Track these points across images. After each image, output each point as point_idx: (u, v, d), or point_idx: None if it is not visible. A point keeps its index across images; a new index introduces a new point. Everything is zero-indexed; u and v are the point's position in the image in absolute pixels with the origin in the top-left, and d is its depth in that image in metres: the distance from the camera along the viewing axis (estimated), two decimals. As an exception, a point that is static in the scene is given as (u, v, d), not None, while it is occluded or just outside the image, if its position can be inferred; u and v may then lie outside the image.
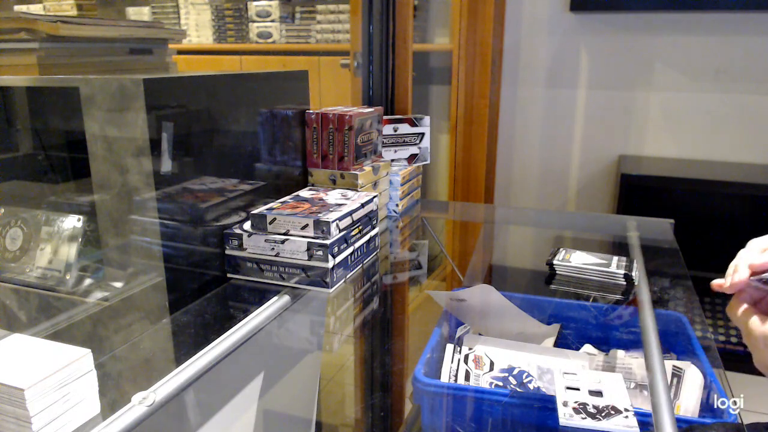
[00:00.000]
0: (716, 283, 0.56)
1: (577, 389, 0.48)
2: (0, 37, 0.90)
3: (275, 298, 0.82)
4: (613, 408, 0.45)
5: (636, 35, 2.18)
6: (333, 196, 0.98)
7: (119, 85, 0.73)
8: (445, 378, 0.75)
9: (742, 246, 0.61)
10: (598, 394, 0.48)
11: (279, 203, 0.93)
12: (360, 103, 1.49)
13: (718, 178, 2.02)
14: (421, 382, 0.67)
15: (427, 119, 1.31)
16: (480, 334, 0.82)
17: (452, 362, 0.77)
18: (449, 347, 0.79)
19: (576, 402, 0.46)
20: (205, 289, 0.86)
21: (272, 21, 2.72)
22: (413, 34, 1.56)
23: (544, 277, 0.97)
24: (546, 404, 0.65)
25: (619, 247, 1.16)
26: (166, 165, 0.77)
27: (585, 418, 0.44)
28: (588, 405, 0.46)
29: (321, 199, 0.96)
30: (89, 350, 0.54)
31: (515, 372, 0.74)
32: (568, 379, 0.48)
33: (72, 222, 0.83)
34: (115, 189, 0.77)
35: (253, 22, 2.75)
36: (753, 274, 0.54)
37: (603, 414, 0.45)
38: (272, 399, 0.86)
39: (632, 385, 0.75)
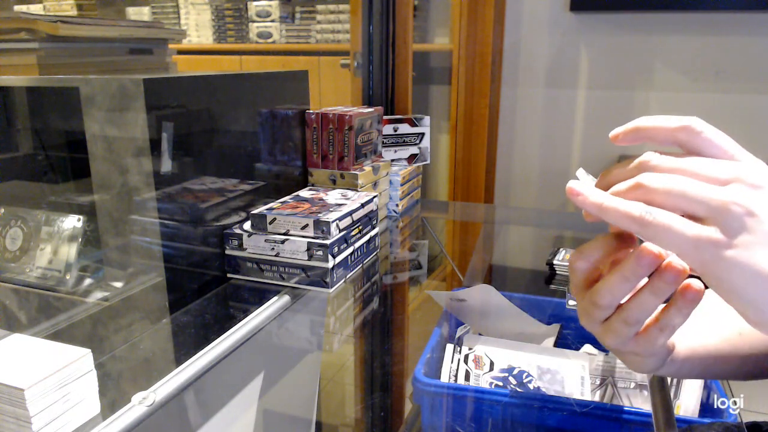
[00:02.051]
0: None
1: None
2: (0, 37, 0.90)
3: (275, 298, 0.82)
4: None
5: (636, 35, 2.18)
6: (333, 196, 0.98)
7: (119, 85, 0.73)
8: (445, 378, 0.75)
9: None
10: None
11: (279, 203, 0.93)
12: (360, 103, 1.49)
13: (718, 178, 2.01)
14: (421, 382, 0.67)
15: (427, 119, 1.31)
16: (480, 334, 0.82)
17: (452, 362, 0.77)
18: (449, 347, 0.79)
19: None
20: (205, 289, 0.86)
21: (272, 21, 2.72)
22: (413, 34, 1.56)
23: (544, 277, 0.97)
24: (546, 404, 0.65)
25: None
26: (166, 165, 0.77)
27: None
28: None
29: (321, 199, 0.96)
30: (89, 350, 0.54)
31: (515, 372, 0.74)
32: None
33: (72, 222, 0.83)
34: (115, 189, 0.77)
35: (253, 22, 2.75)
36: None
37: None
38: (272, 399, 0.86)
39: (632, 385, 0.75)
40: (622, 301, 0.40)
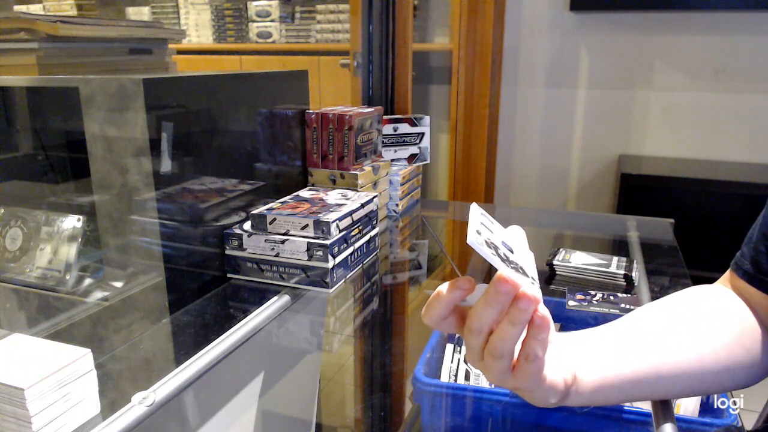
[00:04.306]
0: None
1: (491, 231, 0.43)
2: (0, 37, 0.89)
3: (275, 298, 0.82)
4: (522, 269, 0.42)
5: (636, 35, 2.18)
6: (333, 196, 0.98)
7: (119, 85, 0.73)
8: (445, 378, 0.75)
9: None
10: (510, 250, 0.45)
11: (279, 203, 0.93)
12: (360, 103, 1.49)
13: (718, 178, 2.02)
14: (421, 381, 0.67)
15: (427, 119, 1.31)
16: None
17: (452, 362, 0.77)
18: (449, 347, 0.79)
19: (488, 239, 0.42)
20: (205, 289, 0.86)
21: (272, 21, 2.72)
22: (413, 34, 1.56)
23: (544, 277, 0.97)
24: (546, 404, 0.65)
25: (619, 247, 1.16)
26: (166, 165, 0.77)
27: (494, 255, 0.40)
28: (498, 248, 0.42)
29: (321, 199, 0.96)
30: (89, 350, 0.54)
31: (515, 372, 0.74)
32: (483, 218, 0.44)
33: (72, 222, 0.83)
34: (115, 189, 0.77)
35: (253, 22, 2.75)
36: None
37: (511, 266, 0.41)
38: (272, 399, 0.86)
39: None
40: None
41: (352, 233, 0.91)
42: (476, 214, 0.42)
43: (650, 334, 0.53)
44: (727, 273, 0.61)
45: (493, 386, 0.72)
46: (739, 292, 0.58)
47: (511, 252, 0.43)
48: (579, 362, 0.49)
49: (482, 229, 0.41)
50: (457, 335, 0.81)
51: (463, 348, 0.79)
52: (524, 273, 0.42)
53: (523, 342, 0.42)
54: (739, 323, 0.55)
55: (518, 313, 0.39)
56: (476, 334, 0.42)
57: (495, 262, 0.40)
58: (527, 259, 0.46)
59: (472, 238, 0.39)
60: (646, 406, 0.64)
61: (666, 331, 0.54)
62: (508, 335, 0.40)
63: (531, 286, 0.39)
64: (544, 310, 0.40)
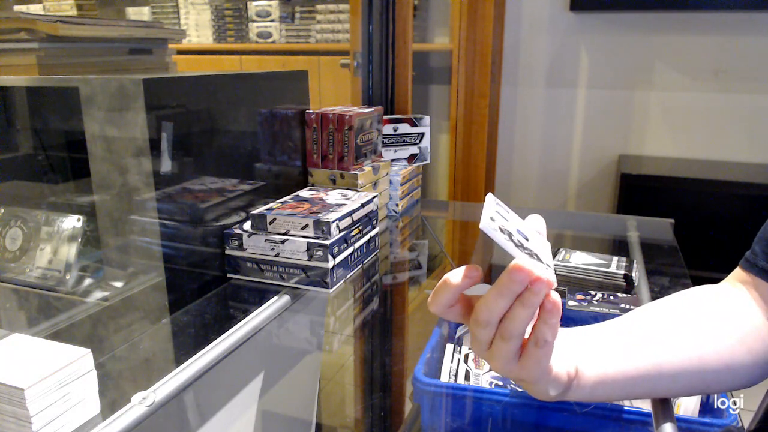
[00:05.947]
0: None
1: (505, 219, 0.43)
2: (0, 37, 0.90)
3: (275, 298, 0.82)
4: (536, 255, 0.42)
5: (636, 35, 2.18)
6: (333, 196, 0.98)
7: (119, 85, 0.73)
8: (445, 378, 0.75)
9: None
10: (525, 238, 0.43)
11: (279, 203, 0.93)
12: (360, 103, 1.49)
13: (718, 178, 2.02)
14: (421, 381, 0.67)
15: (427, 119, 1.31)
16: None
17: (452, 362, 0.77)
18: (449, 347, 0.79)
19: (502, 225, 0.41)
20: (205, 289, 0.86)
21: (272, 21, 2.72)
22: (413, 34, 1.56)
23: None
24: (546, 404, 0.65)
25: (619, 247, 1.16)
26: (166, 165, 0.77)
27: (508, 240, 0.39)
28: (513, 234, 0.41)
29: (321, 199, 0.96)
30: (89, 350, 0.54)
31: (515, 372, 0.74)
32: (498, 207, 0.43)
33: (72, 222, 0.83)
34: (115, 189, 0.77)
35: (253, 22, 2.75)
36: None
37: (525, 251, 0.41)
38: (272, 399, 0.86)
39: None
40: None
41: (352, 233, 0.91)
42: (491, 203, 0.42)
43: (653, 332, 0.53)
44: (736, 272, 0.60)
45: (493, 386, 0.72)
46: (756, 291, 0.57)
47: (526, 239, 0.43)
48: (581, 356, 0.49)
49: (496, 216, 0.41)
50: (457, 336, 0.81)
51: (464, 348, 0.79)
52: (539, 259, 0.42)
53: (533, 327, 0.42)
54: (744, 323, 0.55)
55: (531, 295, 0.39)
56: (483, 325, 0.41)
57: (508, 247, 0.39)
58: (543, 247, 0.45)
59: (485, 224, 0.39)
60: (646, 406, 0.64)
61: (669, 329, 0.54)
62: (520, 316, 0.40)
63: (546, 271, 0.39)
64: (555, 296, 0.40)
